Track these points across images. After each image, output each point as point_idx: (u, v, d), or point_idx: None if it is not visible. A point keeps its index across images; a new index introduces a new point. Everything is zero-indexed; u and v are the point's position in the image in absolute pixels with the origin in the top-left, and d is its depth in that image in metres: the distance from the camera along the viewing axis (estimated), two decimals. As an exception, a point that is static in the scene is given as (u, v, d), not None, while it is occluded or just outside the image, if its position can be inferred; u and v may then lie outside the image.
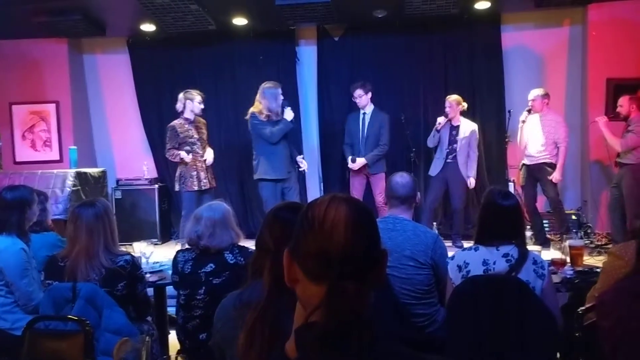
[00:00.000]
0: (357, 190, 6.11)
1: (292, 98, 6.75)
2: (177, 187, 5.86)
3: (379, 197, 5.93)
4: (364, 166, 6.04)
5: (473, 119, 6.63)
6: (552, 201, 5.93)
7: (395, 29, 6.80)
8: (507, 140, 6.31)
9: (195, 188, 5.73)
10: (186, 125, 5.77)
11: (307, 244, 1.06)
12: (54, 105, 7.17)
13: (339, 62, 7.08)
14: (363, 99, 6.06)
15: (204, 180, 5.76)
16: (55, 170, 5.81)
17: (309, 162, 6.99)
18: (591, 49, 6.45)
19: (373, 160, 6.02)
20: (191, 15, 6.25)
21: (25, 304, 3.12)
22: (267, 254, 1.72)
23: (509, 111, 6.37)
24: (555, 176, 5.77)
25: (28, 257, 3.16)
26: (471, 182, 6.02)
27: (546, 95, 5.90)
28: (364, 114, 6.13)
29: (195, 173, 5.74)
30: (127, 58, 7.36)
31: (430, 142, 6.14)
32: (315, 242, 1.05)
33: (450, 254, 2.85)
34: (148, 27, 6.69)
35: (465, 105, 6.04)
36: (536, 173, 5.91)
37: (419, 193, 3.14)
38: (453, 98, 6.02)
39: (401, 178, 3.01)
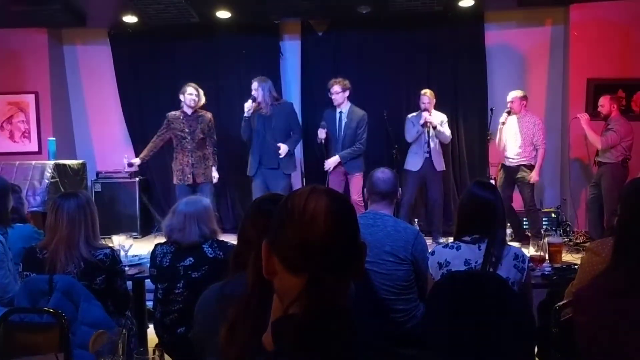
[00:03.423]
0: (334, 188, 6.06)
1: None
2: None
3: (355, 196, 5.85)
4: (342, 164, 5.95)
5: (455, 116, 6.70)
6: (526, 202, 5.96)
7: (379, 25, 6.80)
8: (488, 138, 6.35)
9: (180, 182, 5.85)
10: (180, 118, 5.83)
11: (287, 235, 1.05)
12: (32, 96, 7.07)
13: (323, 58, 7.06)
14: (340, 96, 5.89)
15: (188, 175, 5.81)
16: (33, 162, 5.73)
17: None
18: (572, 48, 6.51)
19: (346, 158, 5.90)
20: (174, 7, 6.20)
21: (1, 296, 3.06)
22: (250, 247, 1.70)
23: (491, 109, 6.40)
24: (532, 177, 5.83)
25: (4, 249, 3.11)
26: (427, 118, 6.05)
27: (524, 97, 5.97)
28: (341, 112, 5.98)
29: (180, 167, 5.85)
30: (108, 49, 7.27)
31: (411, 138, 6.14)
32: (295, 233, 1.04)
33: (430, 249, 2.86)
34: (130, 19, 6.60)
35: (434, 99, 6.13)
36: (514, 174, 5.96)
37: (400, 189, 3.14)
38: (429, 92, 6.07)
39: (382, 174, 3.00)
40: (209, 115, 5.93)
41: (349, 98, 5.99)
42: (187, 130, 5.81)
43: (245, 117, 5.75)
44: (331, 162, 5.93)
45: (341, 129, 5.97)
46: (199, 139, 5.84)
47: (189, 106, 5.81)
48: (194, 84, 5.88)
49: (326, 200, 1.07)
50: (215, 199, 6.15)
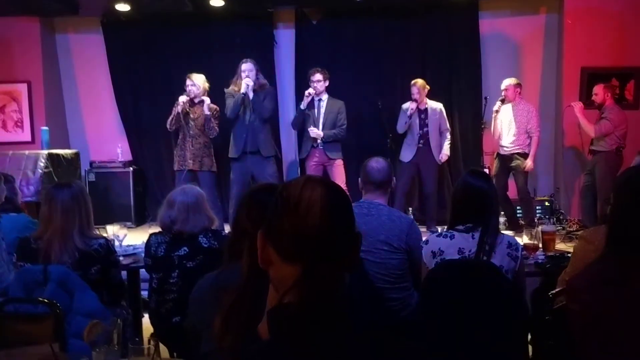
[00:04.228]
0: None
1: (269, 82, 6.69)
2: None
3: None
4: (323, 155, 5.97)
5: (449, 105, 6.68)
6: (520, 191, 6.00)
7: (374, 13, 6.77)
8: (483, 127, 6.36)
9: (180, 167, 5.86)
10: (186, 104, 5.86)
11: (282, 225, 1.06)
12: (25, 85, 7.01)
13: (317, 47, 7.03)
14: (321, 84, 5.94)
15: (189, 161, 5.83)
16: (26, 152, 5.71)
17: (285, 147, 6.98)
18: (567, 37, 6.50)
19: (330, 137, 5.93)
20: (167, -5, 6.16)
21: (-6, 287, 3.06)
22: (244, 237, 1.70)
23: (486, 98, 6.41)
24: (527, 164, 5.85)
25: (-3, 239, 3.10)
26: (442, 158, 6.13)
27: (518, 85, 5.98)
28: (320, 100, 6.02)
29: (182, 153, 5.88)
30: (101, 38, 7.21)
31: (401, 128, 6.15)
32: (291, 223, 1.05)
33: (424, 238, 2.86)
34: (122, 7, 6.52)
35: (428, 87, 6.12)
36: (508, 162, 5.98)
37: (394, 178, 3.15)
38: (420, 82, 6.07)
39: (377, 163, 3.00)
40: (212, 105, 5.95)
41: (327, 88, 6.03)
42: (190, 116, 5.84)
43: (243, 93, 5.72)
44: (316, 131, 5.94)
45: (320, 115, 6.01)
46: (200, 126, 5.86)
47: (189, 97, 5.85)
48: (193, 74, 5.90)
49: (321, 190, 1.07)
50: (216, 189, 6.14)
